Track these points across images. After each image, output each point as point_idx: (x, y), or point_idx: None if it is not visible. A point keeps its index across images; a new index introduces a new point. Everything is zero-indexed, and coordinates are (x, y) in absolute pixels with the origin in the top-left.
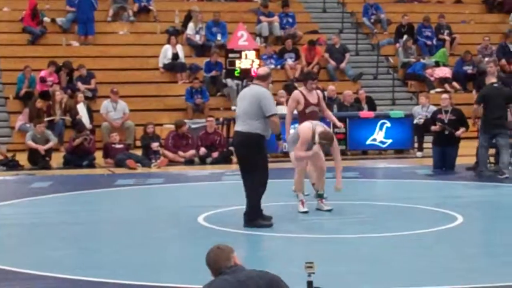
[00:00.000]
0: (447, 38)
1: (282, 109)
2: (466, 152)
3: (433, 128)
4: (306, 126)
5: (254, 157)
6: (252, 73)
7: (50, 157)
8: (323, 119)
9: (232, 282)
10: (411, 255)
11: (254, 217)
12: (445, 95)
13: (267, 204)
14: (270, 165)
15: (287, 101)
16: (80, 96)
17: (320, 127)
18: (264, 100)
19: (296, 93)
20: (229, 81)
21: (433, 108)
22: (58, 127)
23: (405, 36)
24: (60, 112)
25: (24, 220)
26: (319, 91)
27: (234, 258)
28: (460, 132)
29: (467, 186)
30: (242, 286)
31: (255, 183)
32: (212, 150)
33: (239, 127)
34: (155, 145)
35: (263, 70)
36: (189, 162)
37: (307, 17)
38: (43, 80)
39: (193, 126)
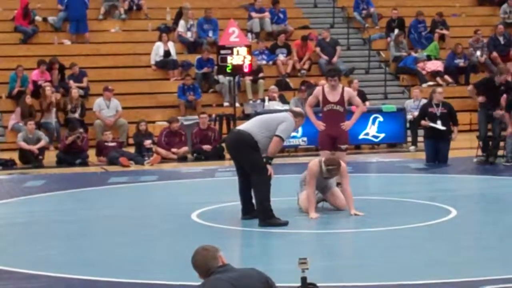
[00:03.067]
0: (445, 32)
1: (274, 105)
2: (459, 146)
3: (423, 123)
4: (313, 162)
5: (250, 155)
6: (244, 69)
7: (43, 156)
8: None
9: (225, 281)
10: (404, 249)
11: (267, 216)
12: (440, 89)
13: None
14: None
15: (279, 96)
16: (74, 91)
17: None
18: (285, 123)
19: (317, 89)
20: (221, 78)
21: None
22: (51, 125)
23: (396, 30)
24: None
25: (17, 219)
26: (348, 89)
27: (221, 258)
28: (454, 135)
29: (460, 179)
30: (235, 284)
31: (259, 183)
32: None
33: (244, 126)
34: (147, 143)
35: (299, 109)
36: (182, 159)
37: (298, 12)
38: (36, 83)
39: (185, 123)
